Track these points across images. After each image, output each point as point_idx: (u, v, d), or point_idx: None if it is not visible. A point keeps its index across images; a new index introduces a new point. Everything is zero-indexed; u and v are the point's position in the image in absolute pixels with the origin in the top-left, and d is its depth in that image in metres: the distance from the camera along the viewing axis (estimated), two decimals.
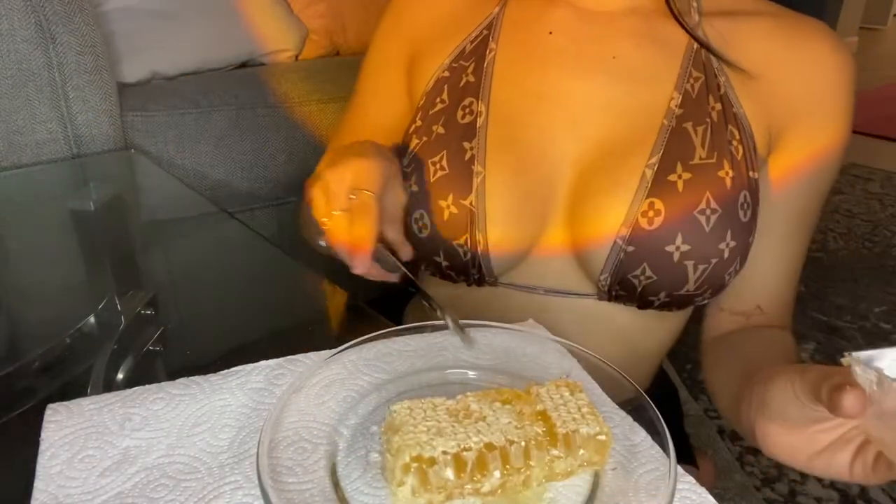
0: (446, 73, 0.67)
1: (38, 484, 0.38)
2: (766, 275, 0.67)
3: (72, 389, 0.49)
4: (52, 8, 0.97)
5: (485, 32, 0.67)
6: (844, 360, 0.38)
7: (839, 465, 0.42)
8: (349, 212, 0.51)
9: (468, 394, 0.41)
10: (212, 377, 0.47)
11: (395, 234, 0.59)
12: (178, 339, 0.59)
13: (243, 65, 1.41)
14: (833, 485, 1.38)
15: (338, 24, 1.53)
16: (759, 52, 0.62)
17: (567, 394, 0.41)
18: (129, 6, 1.22)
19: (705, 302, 0.65)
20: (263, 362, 0.49)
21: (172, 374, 0.47)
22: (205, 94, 1.15)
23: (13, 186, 0.97)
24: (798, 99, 0.62)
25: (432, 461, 0.36)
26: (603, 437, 0.39)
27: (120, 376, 0.51)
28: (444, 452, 0.36)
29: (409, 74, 0.71)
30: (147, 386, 0.46)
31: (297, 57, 1.48)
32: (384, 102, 0.73)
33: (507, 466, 0.37)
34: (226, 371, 0.48)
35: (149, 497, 0.38)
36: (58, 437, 0.41)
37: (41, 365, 0.53)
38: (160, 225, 0.86)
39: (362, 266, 0.50)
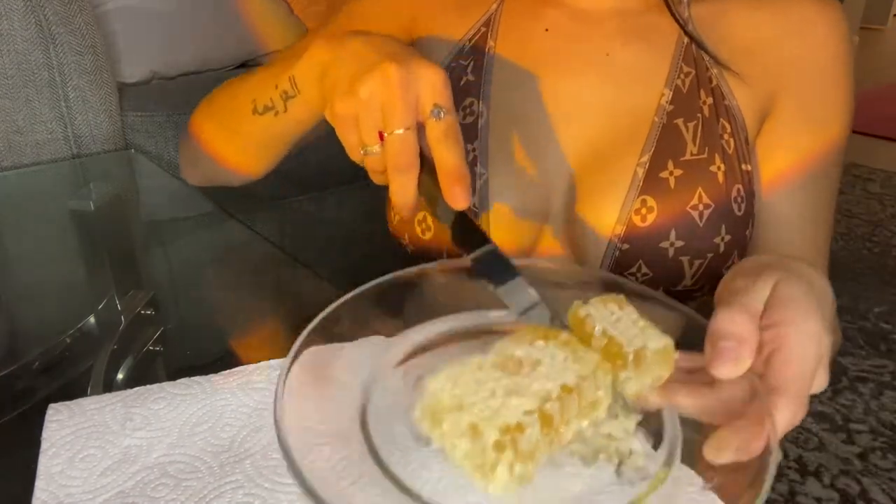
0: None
1: (40, 483, 0.38)
2: (790, 235, 0.63)
3: (72, 389, 0.49)
4: (52, 8, 0.97)
5: (483, 30, 0.67)
6: None
7: None
8: (422, 131, 0.45)
9: (497, 343, 0.36)
10: (212, 377, 0.47)
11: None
12: (178, 339, 0.59)
13: (243, 65, 1.41)
14: (833, 485, 1.38)
15: None
16: (747, 27, 0.62)
17: (617, 309, 0.38)
18: (129, 6, 1.22)
19: (705, 297, 0.65)
20: (263, 362, 0.49)
21: (172, 374, 0.47)
22: (205, 94, 1.15)
23: (13, 186, 0.96)
24: (790, 64, 0.61)
25: (520, 427, 0.30)
26: (670, 348, 0.36)
27: (120, 376, 0.51)
28: (528, 412, 0.31)
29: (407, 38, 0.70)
30: (148, 386, 0.46)
31: None
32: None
33: (584, 404, 0.33)
34: (226, 371, 0.48)
35: (150, 496, 0.38)
36: (59, 437, 0.41)
37: (41, 365, 0.53)
38: (160, 225, 0.86)
39: (465, 197, 0.43)
